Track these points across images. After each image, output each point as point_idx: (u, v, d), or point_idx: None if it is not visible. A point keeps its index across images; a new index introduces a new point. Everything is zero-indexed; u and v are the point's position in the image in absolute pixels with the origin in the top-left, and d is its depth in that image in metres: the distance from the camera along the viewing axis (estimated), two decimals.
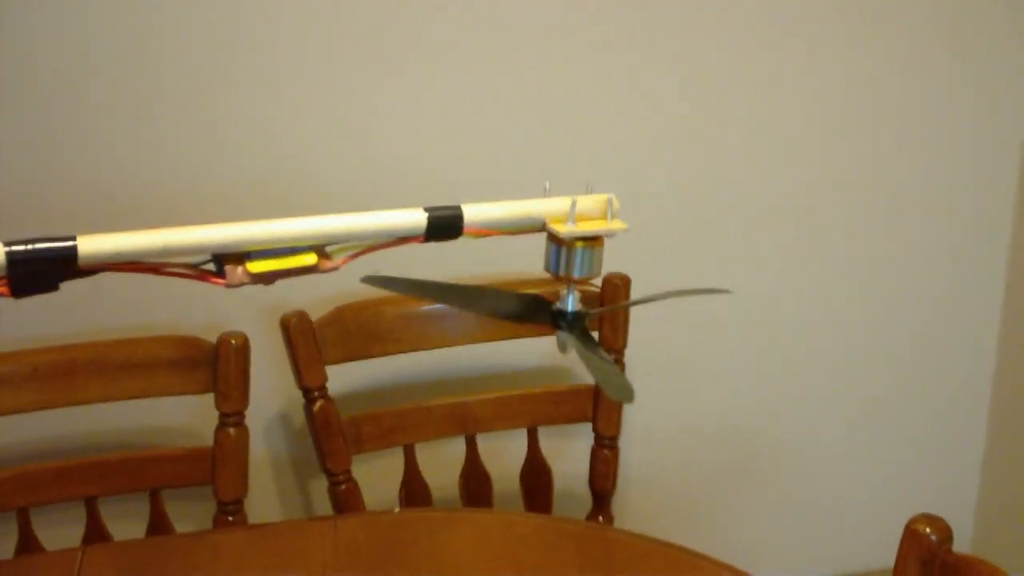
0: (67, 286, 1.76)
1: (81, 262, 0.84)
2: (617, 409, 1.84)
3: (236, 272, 0.88)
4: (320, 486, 1.93)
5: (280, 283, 1.81)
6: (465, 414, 1.81)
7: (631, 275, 1.80)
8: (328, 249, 0.93)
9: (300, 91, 1.74)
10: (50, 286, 0.84)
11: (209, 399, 1.64)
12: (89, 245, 0.84)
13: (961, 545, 2.26)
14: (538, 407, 1.84)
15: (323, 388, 1.71)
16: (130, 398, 1.64)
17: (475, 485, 1.88)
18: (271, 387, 1.87)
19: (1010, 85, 2.02)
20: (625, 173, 1.90)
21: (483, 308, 1.05)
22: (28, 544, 1.67)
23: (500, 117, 1.83)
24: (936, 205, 2.07)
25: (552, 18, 1.80)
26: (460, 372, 1.94)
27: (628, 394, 0.96)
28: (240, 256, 0.89)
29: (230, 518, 1.68)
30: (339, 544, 1.41)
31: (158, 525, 1.72)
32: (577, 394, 1.85)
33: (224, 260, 0.88)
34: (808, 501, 2.24)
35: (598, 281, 1.81)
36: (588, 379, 1.86)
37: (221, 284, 0.88)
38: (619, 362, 1.82)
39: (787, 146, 1.97)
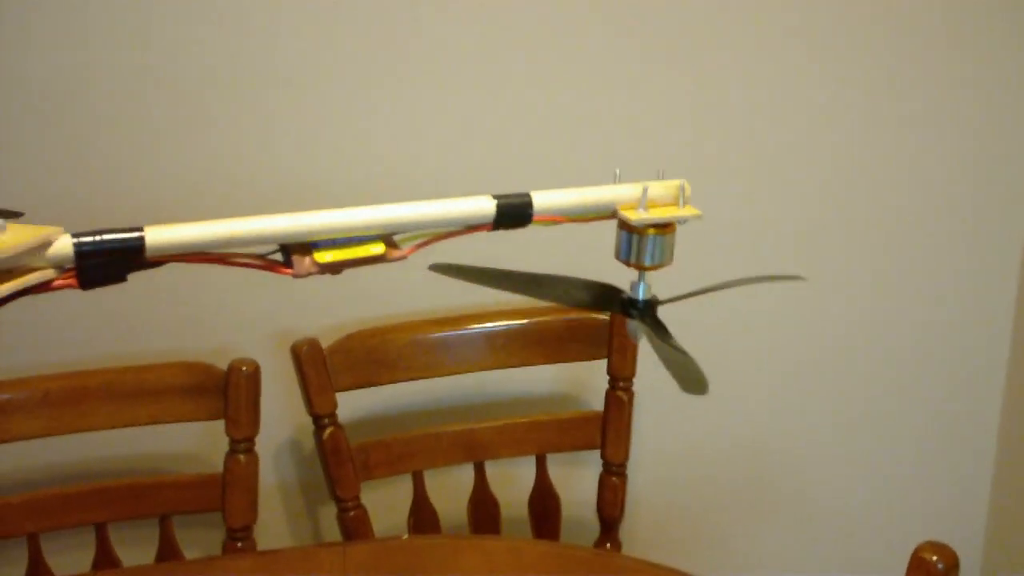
0: (65, 312, 1.78)
1: (148, 253, 0.84)
2: (625, 436, 1.85)
3: (304, 262, 0.87)
4: (329, 513, 1.93)
5: (288, 310, 1.83)
6: (473, 441, 1.82)
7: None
8: (396, 238, 0.92)
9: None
10: (118, 277, 0.84)
11: (219, 425, 1.65)
12: (156, 236, 0.83)
13: (971, 559, 2.26)
14: (546, 434, 1.85)
15: (333, 415, 1.72)
16: (140, 424, 1.65)
17: (483, 512, 1.88)
18: (281, 413, 1.88)
19: (1017, 83, 2.01)
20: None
21: (552, 296, 1.03)
22: (38, 570, 1.67)
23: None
24: (943, 219, 2.06)
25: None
26: (468, 399, 1.95)
27: (702, 386, 0.93)
28: (307, 246, 0.88)
29: (239, 544, 1.68)
30: (348, 570, 1.42)
31: (167, 551, 1.72)
32: (585, 421, 1.85)
33: (291, 250, 0.88)
34: (818, 520, 2.24)
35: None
36: (596, 406, 1.87)
37: (289, 274, 0.88)
38: (627, 390, 1.82)
39: (794, 160, 1.97)
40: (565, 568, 1.43)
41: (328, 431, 1.71)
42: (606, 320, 1.81)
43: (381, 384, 1.77)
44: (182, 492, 1.69)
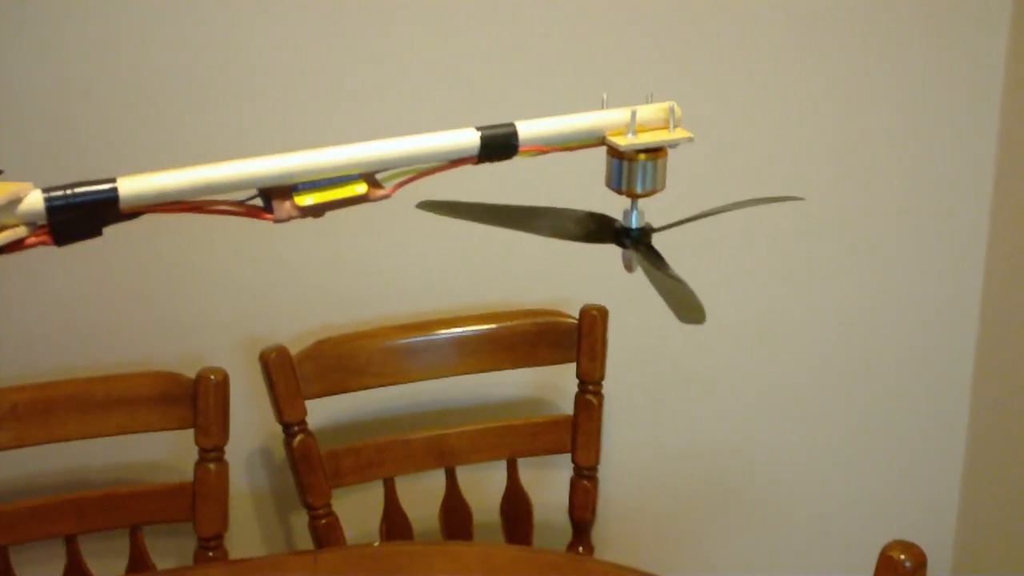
0: (32, 323, 1.77)
1: (123, 205, 0.81)
2: (595, 439, 1.85)
3: (284, 206, 0.85)
4: (301, 520, 1.93)
5: (257, 317, 1.83)
6: (444, 447, 1.82)
7: (603, 295, 1.82)
8: (378, 177, 0.90)
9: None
10: (93, 232, 0.82)
11: (189, 434, 1.65)
12: (130, 187, 0.81)
13: (942, 559, 2.28)
14: (517, 439, 1.85)
15: (303, 423, 1.72)
16: (109, 435, 1.64)
17: (455, 517, 1.88)
18: (252, 421, 1.87)
19: (980, 84, 2.02)
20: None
21: (543, 229, 1.00)
22: None
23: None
24: (907, 224, 2.07)
25: None
26: (439, 405, 1.95)
27: (699, 315, 0.91)
28: (287, 190, 0.86)
29: (210, 554, 1.68)
30: None
31: (138, 562, 1.72)
32: (556, 425, 1.86)
33: (271, 195, 0.86)
34: (789, 521, 2.25)
35: (576, 312, 1.82)
36: (566, 410, 1.87)
37: (269, 219, 0.86)
38: (597, 394, 1.83)
39: (764, 168, 1.98)
40: (536, 572, 1.44)
41: (298, 439, 1.71)
42: (574, 323, 1.82)
43: (351, 391, 1.77)
44: (152, 502, 1.68)
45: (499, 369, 1.83)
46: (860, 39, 1.93)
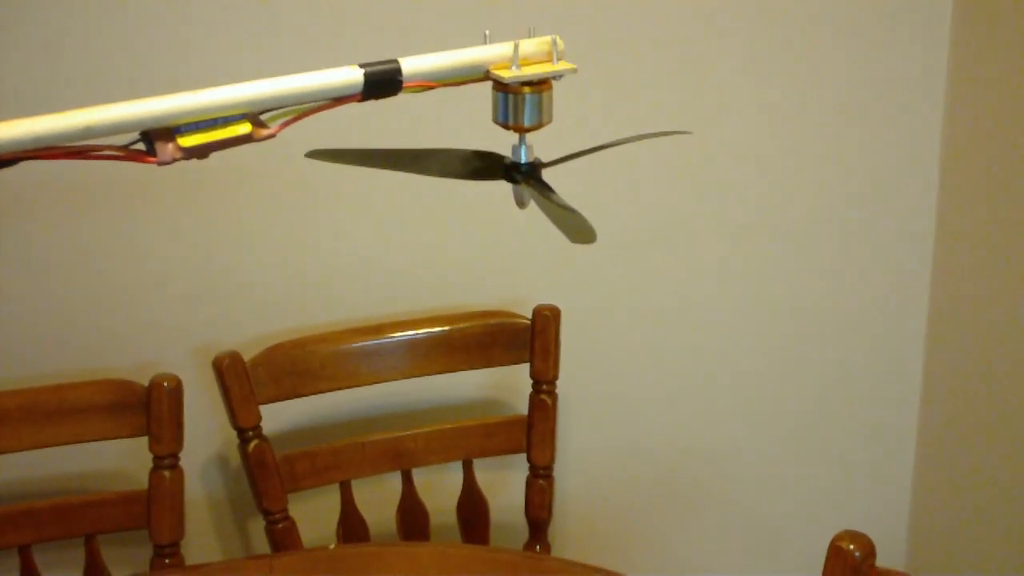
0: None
1: None
2: (550, 439, 1.86)
3: (167, 149, 0.85)
4: (258, 526, 1.93)
5: (209, 324, 1.82)
6: (400, 449, 1.83)
7: (555, 295, 1.83)
8: (263, 117, 0.90)
9: None
10: None
11: (143, 442, 1.64)
12: (3, 132, 0.79)
13: (896, 550, 2.30)
14: (472, 439, 1.86)
15: (257, 428, 1.72)
16: (62, 444, 1.63)
17: (412, 519, 1.89)
18: (207, 428, 1.87)
19: (925, 81, 2.04)
20: None
21: (434, 169, 1.01)
22: None
23: None
24: (858, 219, 2.09)
25: None
26: (394, 407, 1.95)
27: (590, 235, 0.94)
28: (170, 131, 0.86)
29: (167, 561, 1.67)
30: None
31: (94, 571, 1.71)
32: (510, 425, 1.87)
33: (154, 137, 0.85)
34: (744, 520, 2.27)
35: (528, 313, 1.83)
36: (521, 410, 1.88)
37: (153, 163, 0.85)
38: (551, 393, 1.84)
39: (718, 169, 2.00)
40: (492, 571, 1.45)
41: (253, 444, 1.71)
42: (527, 323, 1.83)
43: (305, 395, 1.77)
44: (107, 510, 1.68)
45: (453, 371, 1.84)
46: (803, 30, 1.95)
